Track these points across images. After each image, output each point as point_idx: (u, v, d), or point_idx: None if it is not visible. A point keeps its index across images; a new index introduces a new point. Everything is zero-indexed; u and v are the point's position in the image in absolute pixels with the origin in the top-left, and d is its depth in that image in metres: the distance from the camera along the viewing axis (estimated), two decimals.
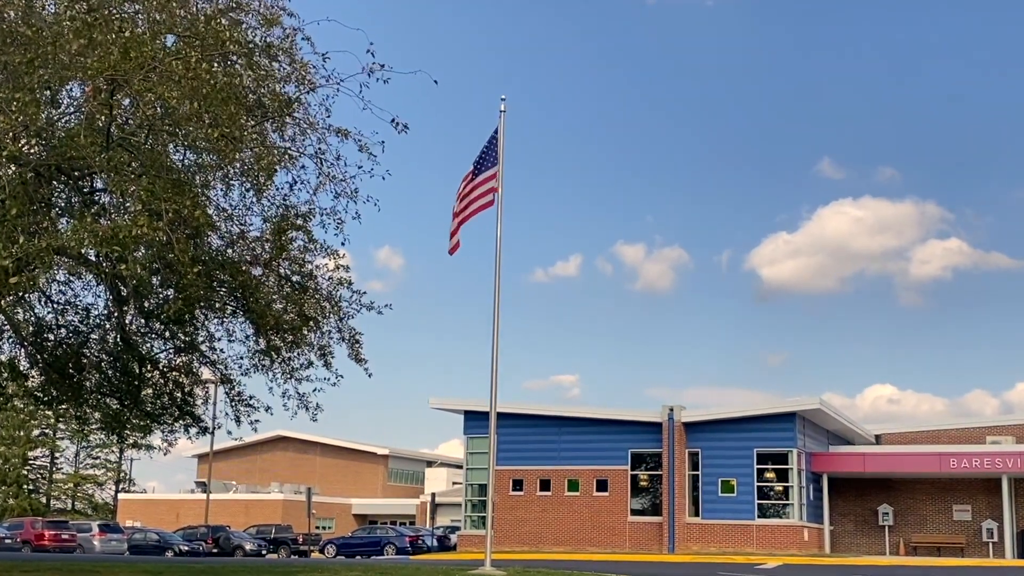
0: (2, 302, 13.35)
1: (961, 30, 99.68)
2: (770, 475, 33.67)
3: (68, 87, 12.78)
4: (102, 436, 59.35)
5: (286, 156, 13.07)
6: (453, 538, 42.53)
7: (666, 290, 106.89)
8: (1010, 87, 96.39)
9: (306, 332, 14.51)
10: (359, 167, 13.25)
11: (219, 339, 15.17)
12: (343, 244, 14.10)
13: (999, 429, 39.86)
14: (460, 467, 43.27)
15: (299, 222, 13.87)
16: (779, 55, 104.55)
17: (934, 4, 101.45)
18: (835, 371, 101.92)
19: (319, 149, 13.23)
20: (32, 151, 11.90)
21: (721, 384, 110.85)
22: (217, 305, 14.43)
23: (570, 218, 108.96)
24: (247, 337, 14.90)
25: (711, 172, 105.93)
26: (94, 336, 15.60)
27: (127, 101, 12.28)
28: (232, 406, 15.46)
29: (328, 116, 13.17)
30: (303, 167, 13.42)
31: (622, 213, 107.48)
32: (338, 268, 14.42)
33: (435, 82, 12.97)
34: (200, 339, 15.25)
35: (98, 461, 72.82)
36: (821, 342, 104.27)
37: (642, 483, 35.38)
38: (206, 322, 15.03)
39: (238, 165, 12.94)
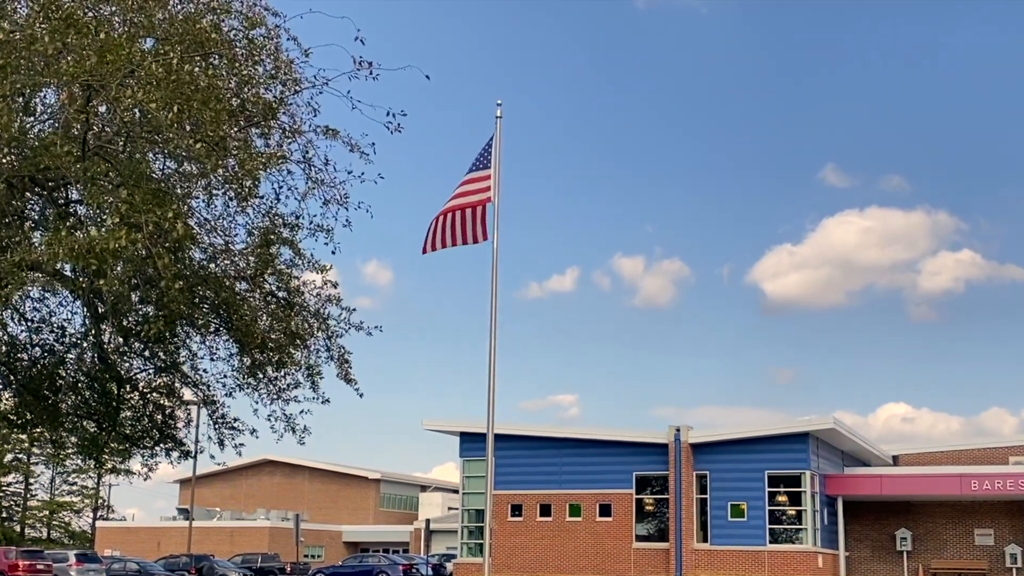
0: None
1: (971, 32, 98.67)
2: (782, 498, 32.67)
3: (42, 93, 12.20)
4: (79, 461, 58.17)
5: (274, 158, 12.33)
6: (449, 566, 41.71)
7: (667, 305, 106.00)
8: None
9: (293, 351, 13.78)
10: (348, 172, 12.56)
11: (202, 358, 14.43)
12: (333, 253, 13.37)
13: (1022, 449, 38.87)
14: (456, 492, 42.25)
15: (285, 233, 13.21)
16: (778, 60, 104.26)
17: (938, 6, 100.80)
18: (846, 389, 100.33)
19: (305, 154, 12.56)
20: (4, 161, 11.33)
21: (728, 403, 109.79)
22: (200, 322, 13.70)
23: (566, 229, 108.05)
24: (231, 356, 14.12)
25: (711, 181, 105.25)
26: (70, 355, 14.85)
27: (104, 107, 11.67)
28: (215, 429, 14.69)
29: (315, 116, 12.49)
30: (289, 172, 12.73)
31: (620, 224, 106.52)
32: (326, 284, 13.80)
33: (427, 77, 12.27)
34: (182, 358, 14.48)
35: (75, 487, 71.06)
36: (831, 359, 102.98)
37: (647, 507, 34.36)
38: (188, 340, 14.30)
39: (221, 172, 12.25)
